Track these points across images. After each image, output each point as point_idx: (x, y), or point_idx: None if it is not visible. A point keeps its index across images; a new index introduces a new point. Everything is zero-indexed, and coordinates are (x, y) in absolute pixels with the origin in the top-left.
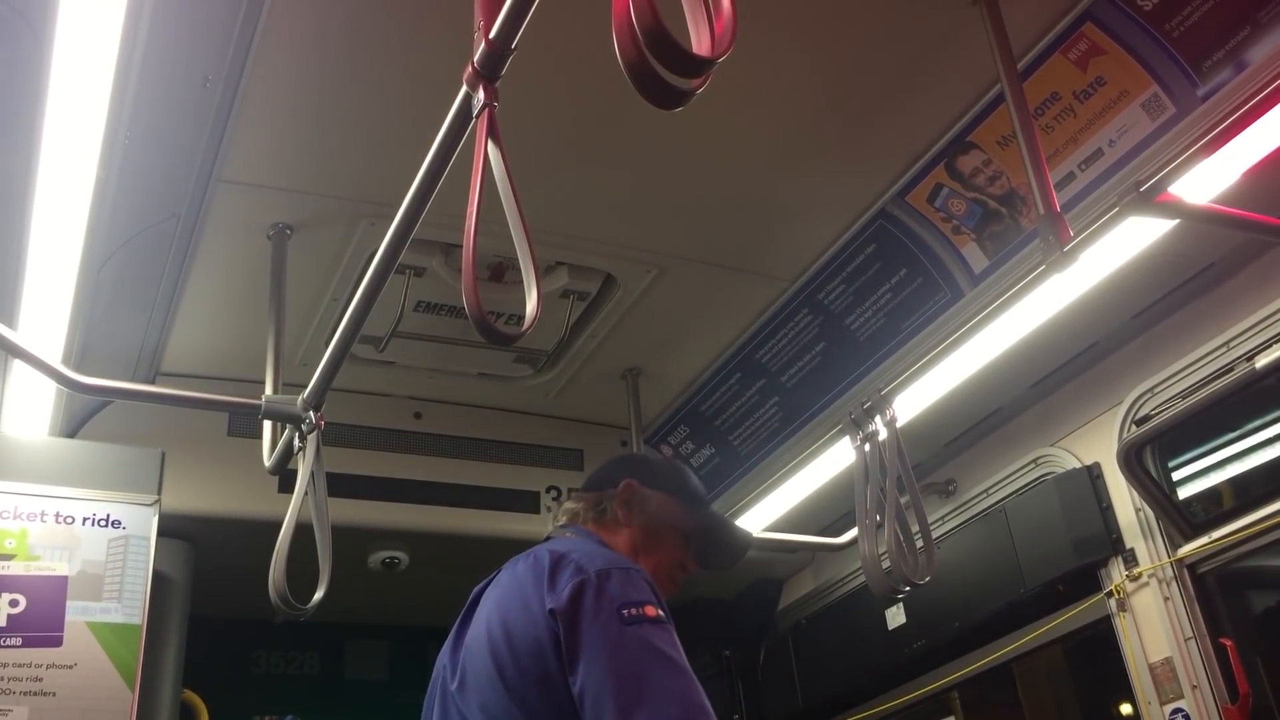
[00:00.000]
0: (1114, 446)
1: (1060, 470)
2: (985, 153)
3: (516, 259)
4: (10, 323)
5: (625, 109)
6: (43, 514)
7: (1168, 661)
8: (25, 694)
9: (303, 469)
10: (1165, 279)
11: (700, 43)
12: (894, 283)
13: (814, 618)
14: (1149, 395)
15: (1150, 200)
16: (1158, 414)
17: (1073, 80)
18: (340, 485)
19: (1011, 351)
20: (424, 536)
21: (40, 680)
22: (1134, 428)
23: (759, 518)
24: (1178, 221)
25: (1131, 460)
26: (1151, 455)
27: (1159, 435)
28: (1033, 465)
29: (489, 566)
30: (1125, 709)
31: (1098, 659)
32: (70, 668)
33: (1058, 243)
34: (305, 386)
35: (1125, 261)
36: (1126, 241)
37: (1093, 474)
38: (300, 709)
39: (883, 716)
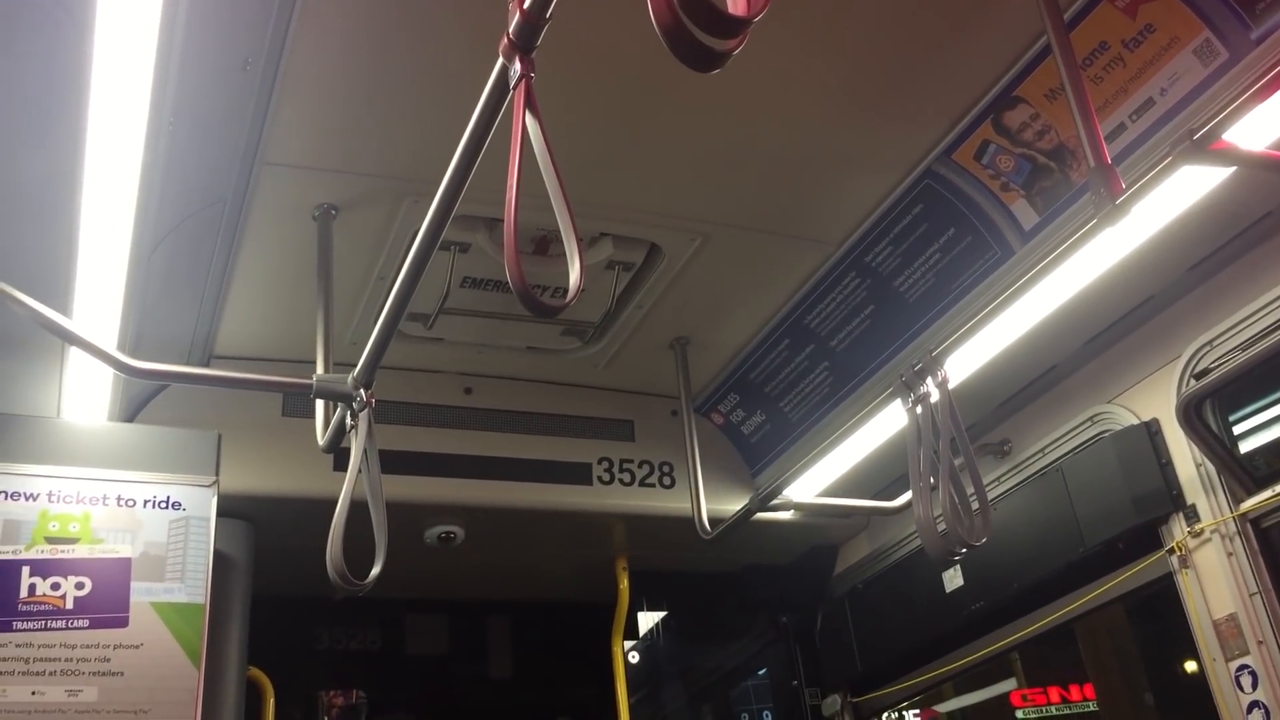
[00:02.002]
0: (1172, 401)
1: (1117, 427)
2: (1033, 107)
3: (560, 232)
4: (65, 311)
5: (664, 76)
6: (104, 498)
7: (1232, 618)
8: (94, 674)
9: (355, 447)
10: (1221, 229)
11: (736, 3)
12: (943, 242)
13: (870, 582)
14: (1208, 348)
15: (1204, 149)
16: (1217, 367)
17: (1121, 28)
18: (393, 462)
19: (1064, 308)
20: (478, 511)
21: (108, 660)
22: (1193, 382)
23: (812, 483)
24: (1233, 170)
25: (1191, 415)
26: (1212, 409)
27: (1219, 389)
28: (1089, 423)
29: (544, 539)
30: (1190, 666)
31: (1160, 617)
32: (137, 648)
33: (1109, 196)
34: (356, 365)
35: (1180, 213)
36: (1180, 192)
37: (1151, 430)
38: (364, 683)
39: (943, 679)
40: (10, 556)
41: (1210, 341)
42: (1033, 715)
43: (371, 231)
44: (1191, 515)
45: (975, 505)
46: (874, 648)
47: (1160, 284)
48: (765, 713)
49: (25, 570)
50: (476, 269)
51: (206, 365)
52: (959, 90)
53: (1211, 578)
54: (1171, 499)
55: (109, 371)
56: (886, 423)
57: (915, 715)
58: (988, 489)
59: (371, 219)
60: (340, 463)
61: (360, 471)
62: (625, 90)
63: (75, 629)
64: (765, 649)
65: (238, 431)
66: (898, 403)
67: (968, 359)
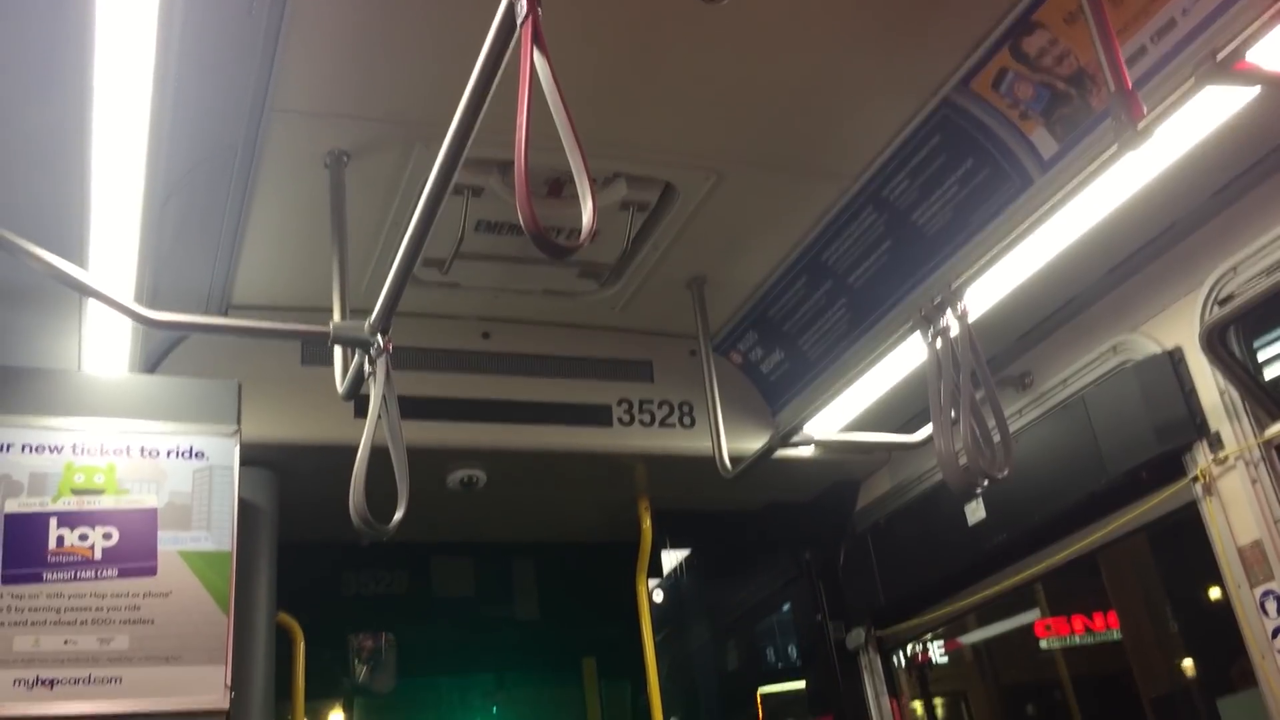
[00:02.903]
0: (1195, 329)
1: (1140, 357)
2: (1051, 31)
3: (572, 173)
4: (80, 264)
5: (674, 9)
6: (128, 449)
7: (1257, 544)
8: (125, 622)
9: (374, 393)
10: (1245, 153)
11: None
12: (960, 174)
13: (892, 517)
14: (1231, 274)
15: (1227, 69)
16: (1241, 293)
17: None
18: (414, 408)
19: (1085, 238)
20: (499, 454)
21: (138, 609)
22: (1216, 308)
23: (832, 419)
24: (1258, 91)
25: (1214, 342)
26: (1235, 336)
27: (1243, 315)
28: (1111, 353)
29: (565, 481)
30: (1213, 594)
31: (1182, 546)
32: (166, 596)
33: (1130, 121)
34: (372, 312)
35: (1202, 137)
36: (1203, 115)
37: (1174, 358)
38: (392, 626)
39: (966, 611)
40: (38, 509)
41: (1234, 267)
42: (1056, 644)
43: (384, 177)
44: (1215, 443)
45: (996, 438)
46: (897, 581)
47: (1182, 210)
48: (790, 647)
49: (53, 522)
50: (490, 213)
51: (224, 315)
52: (975, 17)
53: (1236, 505)
54: (1195, 427)
55: (128, 323)
56: (906, 357)
57: (940, 647)
58: (1009, 421)
59: (383, 164)
60: (360, 409)
61: (380, 417)
62: (635, 26)
63: (105, 579)
64: (788, 585)
65: (258, 381)
66: (917, 337)
67: (987, 291)
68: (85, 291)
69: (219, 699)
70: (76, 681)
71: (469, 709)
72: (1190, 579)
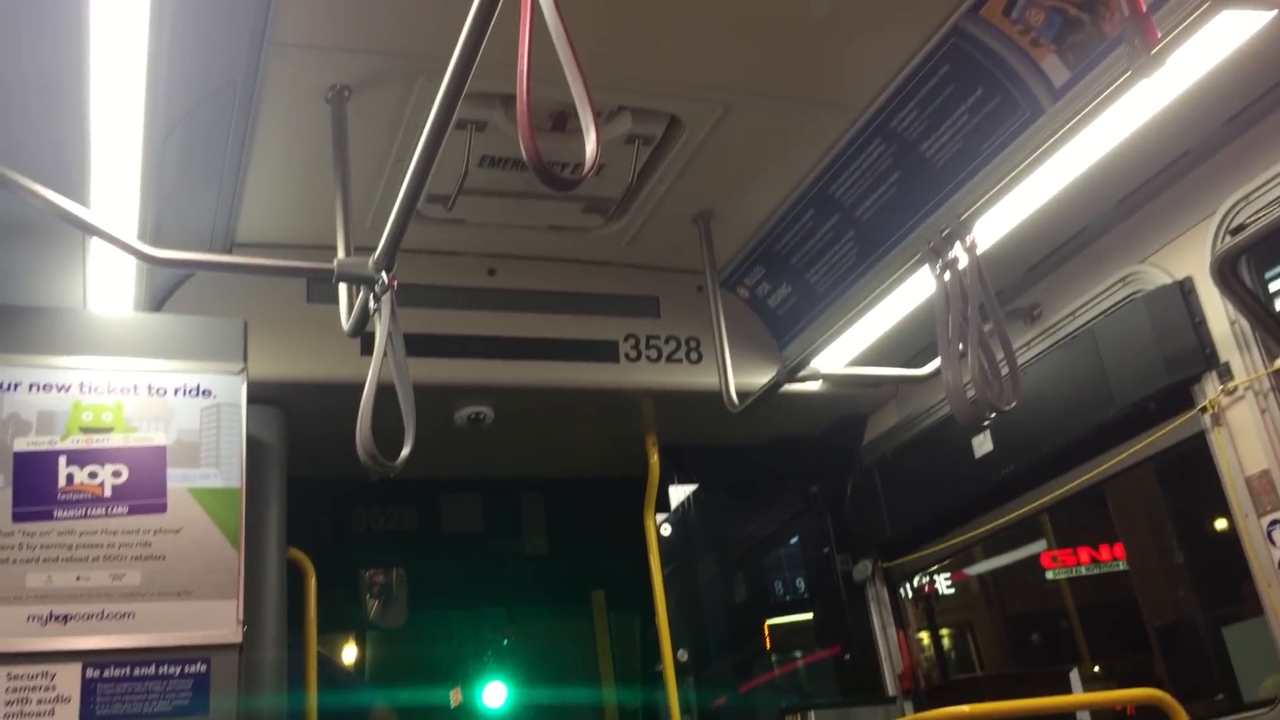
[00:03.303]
0: (1207, 259)
1: (1150, 287)
2: None
3: (576, 105)
4: (82, 202)
5: None
6: (135, 387)
7: (1265, 474)
8: (136, 559)
9: (380, 330)
10: (1259, 79)
11: None
12: (970, 104)
13: (900, 450)
14: (1243, 203)
15: None
16: (1253, 222)
17: None
18: (421, 345)
19: (1096, 167)
20: (506, 391)
21: (149, 545)
22: (1228, 238)
23: (840, 353)
24: (1273, 14)
25: (1226, 272)
26: (1247, 265)
27: (1255, 244)
28: (1121, 284)
29: (573, 417)
30: (1219, 524)
31: (1190, 476)
32: (176, 532)
33: (1144, 46)
34: (376, 249)
35: (1216, 63)
36: (1217, 40)
37: (1184, 289)
38: (402, 562)
39: (972, 542)
40: (47, 447)
41: (1246, 196)
42: (1063, 575)
43: (386, 112)
44: (1225, 373)
45: (1004, 370)
46: (904, 514)
47: (1195, 139)
48: (797, 580)
49: (62, 460)
50: (494, 148)
51: (228, 254)
52: None
53: (1244, 434)
54: (1205, 357)
55: (132, 262)
56: (914, 290)
57: (946, 578)
58: (1017, 354)
59: (385, 99)
60: (367, 347)
61: (386, 354)
62: None
63: (115, 516)
64: (796, 518)
65: (263, 319)
66: (925, 270)
67: (997, 223)
68: (88, 230)
69: (232, 633)
70: (90, 617)
71: (480, 642)
72: (1196, 510)
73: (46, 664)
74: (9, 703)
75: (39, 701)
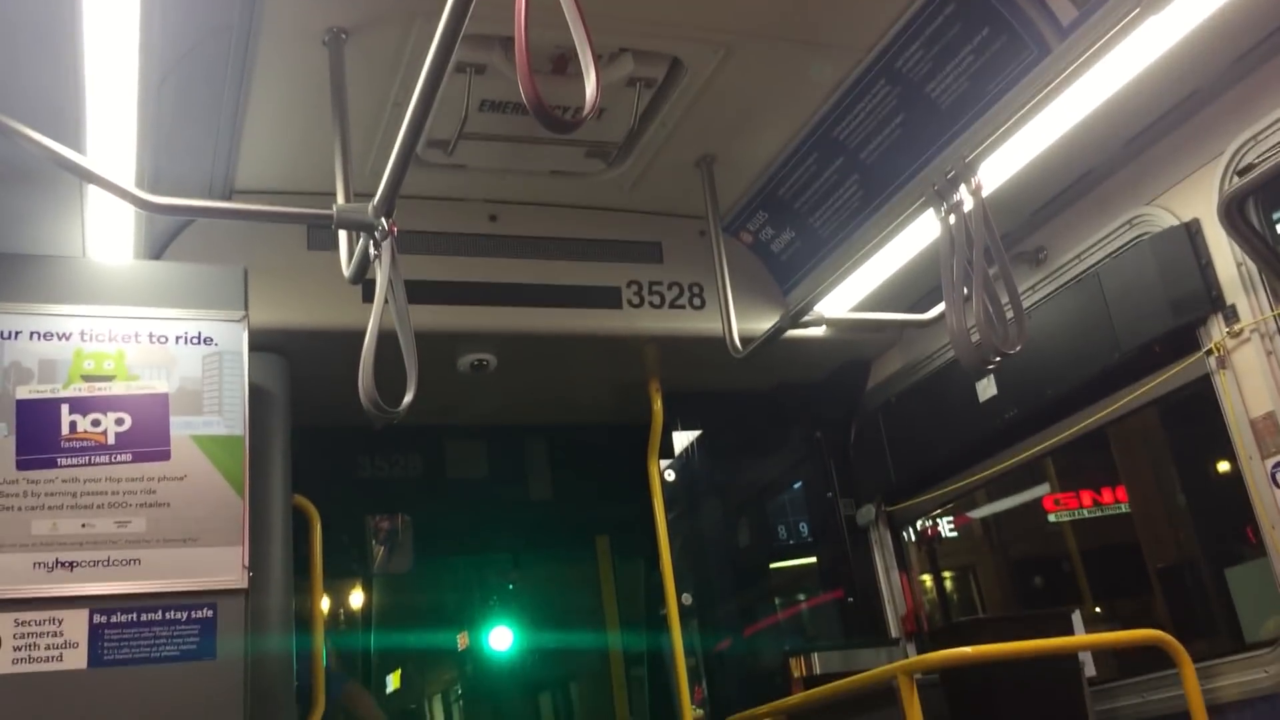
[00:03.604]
0: (1214, 200)
1: (1156, 229)
2: None
3: (575, 46)
4: (79, 149)
5: None
6: (136, 335)
7: (1269, 416)
8: (141, 506)
9: (380, 276)
10: (1269, 16)
11: None
12: (976, 43)
13: (903, 395)
14: (1251, 144)
15: None
16: (1261, 162)
17: None
18: (422, 291)
19: (1103, 108)
20: (509, 337)
21: (154, 492)
22: (1235, 179)
23: (843, 298)
24: None
25: (1233, 213)
26: (1255, 206)
27: (1263, 185)
28: (1127, 226)
29: (576, 363)
30: (1222, 467)
31: (1193, 419)
32: (180, 479)
33: None
34: (376, 195)
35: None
36: None
37: (1191, 231)
38: (407, 508)
39: (975, 486)
40: (49, 395)
41: (1254, 136)
42: (1065, 518)
43: (384, 55)
44: (1231, 315)
45: (1009, 314)
46: (907, 459)
47: (1203, 79)
48: (801, 524)
49: (65, 408)
50: (494, 91)
51: (227, 201)
52: None
53: (1250, 377)
54: (1211, 300)
55: (130, 210)
56: (918, 234)
57: (949, 522)
58: (1022, 297)
59: (383, 42)
60: (368, 294)
61: (387, 301)
62: None
63: (119, 463)
64: (799, 464)
65: (264, 266)
66: (930, 213)
67: (1002, 165)
68: (85, 176)
69: (238, 579)
70: (96, 564)
71: (485, 587)
72: (1199, 453)
73: (54, 610)
74: (17, 648)
75: (47, 647)
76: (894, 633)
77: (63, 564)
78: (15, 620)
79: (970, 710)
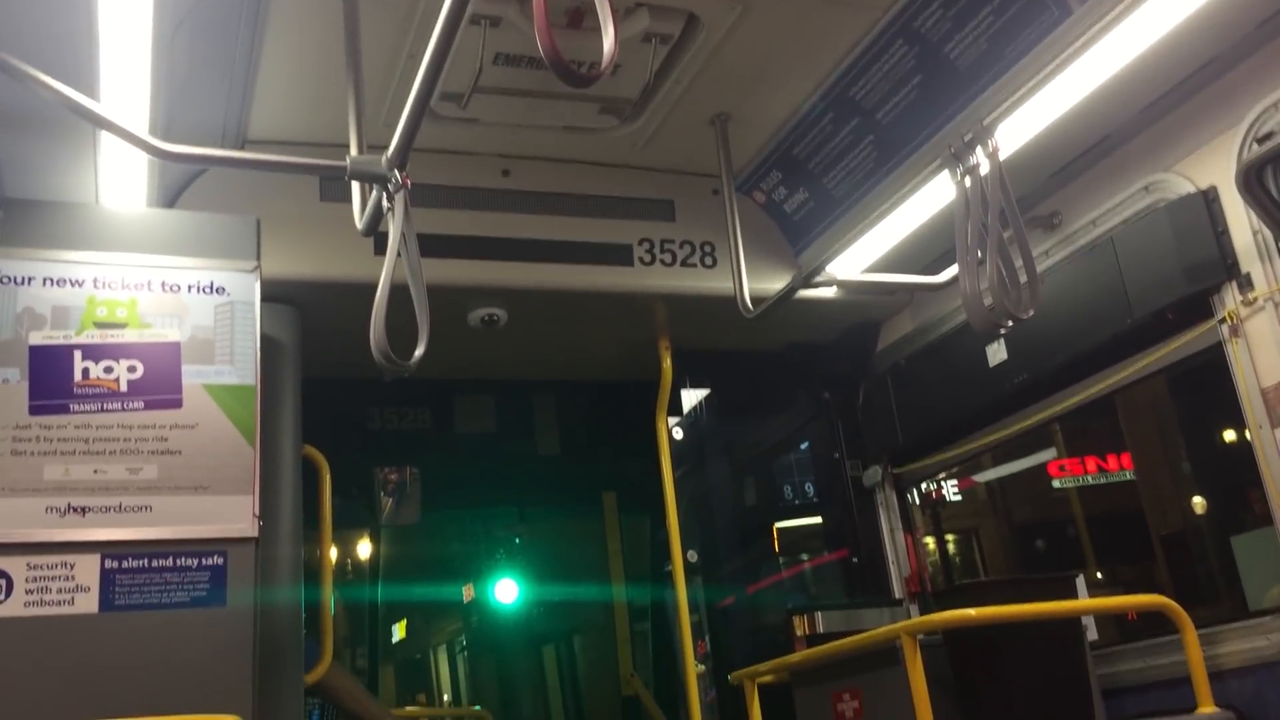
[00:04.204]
0: (1232, 167)
1: (1173, 196)
2: None
3: (594, 3)
4: (92, 95)
5: None
6: (149, 283)
7: None
8: (153, 453)
9: (393, 229)
10: None
11: None
12: (995, 3)
13: (913, 358)
14: (1272, 111)
15: None
16: None
17: None
18: (434, 245)
19: (1123, 72)
20: (520, 293)
21: (165, 440)
22: (1254, 146)
23: (855, 260)
24: None
25: (1251, 181)
26: (1274, 174)
27: None
28: (1143, 192)
29: (586, 320)
30: (1229, 436)
31: (1202, 388)
32: (192, 428)
33: None
34: (389, 147)
35: None
36: None
37: (1208, 198)
38: (416, 460)
39: (982, 450)
40: (62, 341)
41: (1275, 104)
42: (1070, 484)
43: (399, 6)
44: (1245, 284)
45: (1023, 278)
46: (915, 421)
47: (1224, 44)
48: (807, 484)
49: (78, 354)
50: (509, 45)
51: (241, 150)
52: None
53: (1262, 346)
54: (1225, 268)
55: (143, 157)
56: (932, 196)
57: (954, 485)
58: (1035, 262)
59: None
60: (380, 246)
61: (399, 254)
62: None
63: (131, 410)
64: (807, 424)
65: (276, 217)
66: (945, 175)
67: (1019, 128)
68: (98, 123)
69: (248, 527)
70: (107, 509)
71: (492, 540)
72: (1207, 422)
73: (65, 554)
74: (29, 591)
75: (59, 590)
76: (898, 593)
77: (75, 509)
78: (28, 564)
79: (972, 671)
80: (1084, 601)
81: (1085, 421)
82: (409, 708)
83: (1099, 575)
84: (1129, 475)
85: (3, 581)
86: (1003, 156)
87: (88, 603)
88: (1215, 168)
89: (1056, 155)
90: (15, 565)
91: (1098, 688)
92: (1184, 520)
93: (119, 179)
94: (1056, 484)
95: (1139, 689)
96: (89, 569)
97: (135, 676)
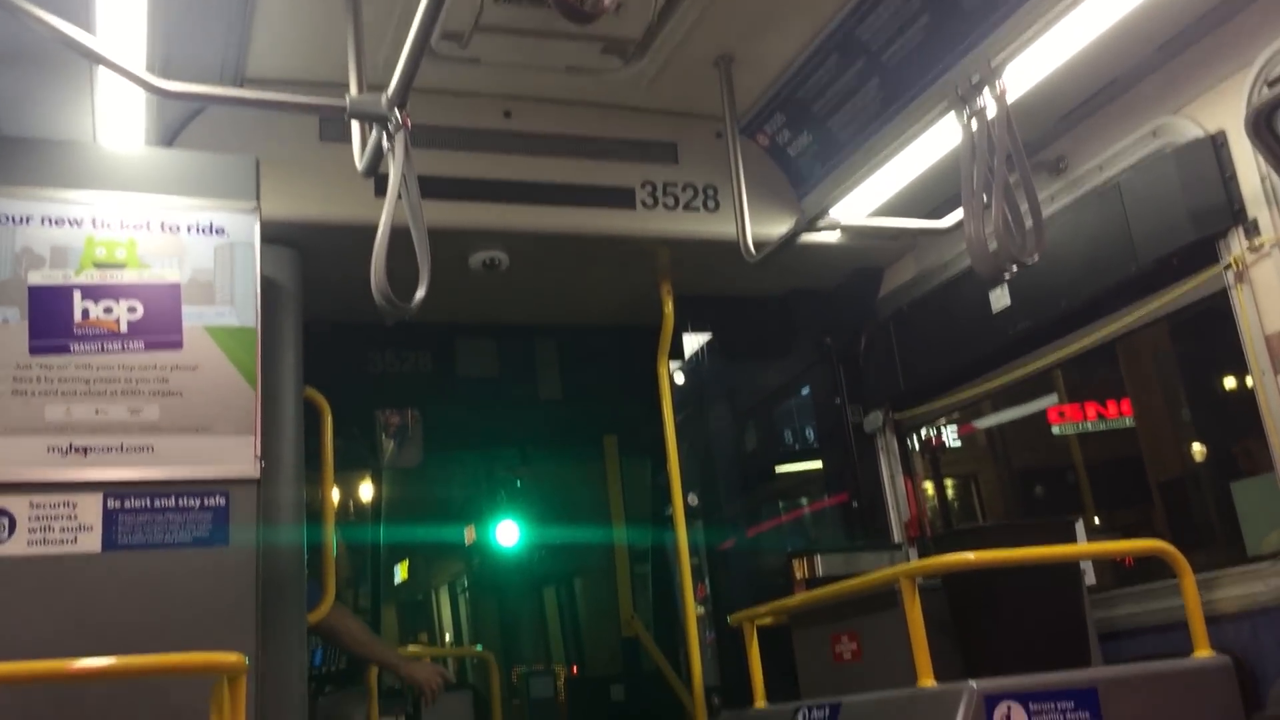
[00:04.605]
0: (1242, 111)
1: (1181, 140)
2: None
3: None
4: (88, 30)
5: None
6: (148, 223)
7: None
8: (154, 394)
9: (393, 170)
10: None
11: None
12: None
13: (916, 304)
14: None
15: None
16: None
17: None
18: (435, 187)
19: (1133, 13)
20: (521, 236)
21: (166, 381)
22: (1265, 90)
23: (859, 204)
24: None
25: (1261, 125)
26: None
27: None
28: (1151, 136)
29: (588, 264)
30: (1229, 383)
31: (1204, 336)
32: (193, 369)
33: None
34: (389, 86)
35: None
36: None
37: (1216, 143)
38: (418, 404)
39: (983, 396)
40: (61, 281)
41: None
42: (1069, 430)
43: None
44: (1252, 229)
45: (1028, 223)
46: (917, 367)
47: None
48: (807, 429)
49: (77, 294)
50: None
51: (240, 88)
52: None
53: (1268, 292)
54: (1232, 213)
55: (140, 95)
56: (937, 140)
57: (954, 431)
58: (1040, 206)
59: None
60: (381, 188)
61: (400, 196)
62: None
63: (131, 351)
64: (808, 369)
65: (275, 158)
66: (950, 119)
67: (1027, 70)
68: (94, 59)
69: (250, 468)
70: (109, 450)
71: (493, 483)
72: (1208, 369)
73: (68, 494)
74: (32, 530)
75: (61, 529)
76: (897, 538)
77: (76, 449)
78: (30, 503)
79: (970, 615)
80: (1082, 546)
81: (1086, 368)
82: (411, 646)
83: (1097, 521)
84: (1128, 422)
85: (5, 520)
86: (1010, 99)
87: (90, 542)
88: (1224, 111)
89: (1064, 98)
90: (18, 504)
91: (1094, 631)
92: (1183, 467)
93: (116, 117)
94: (1056, 430)
95: (1135, 633)
96: (91, 508)
97: (138, 615)
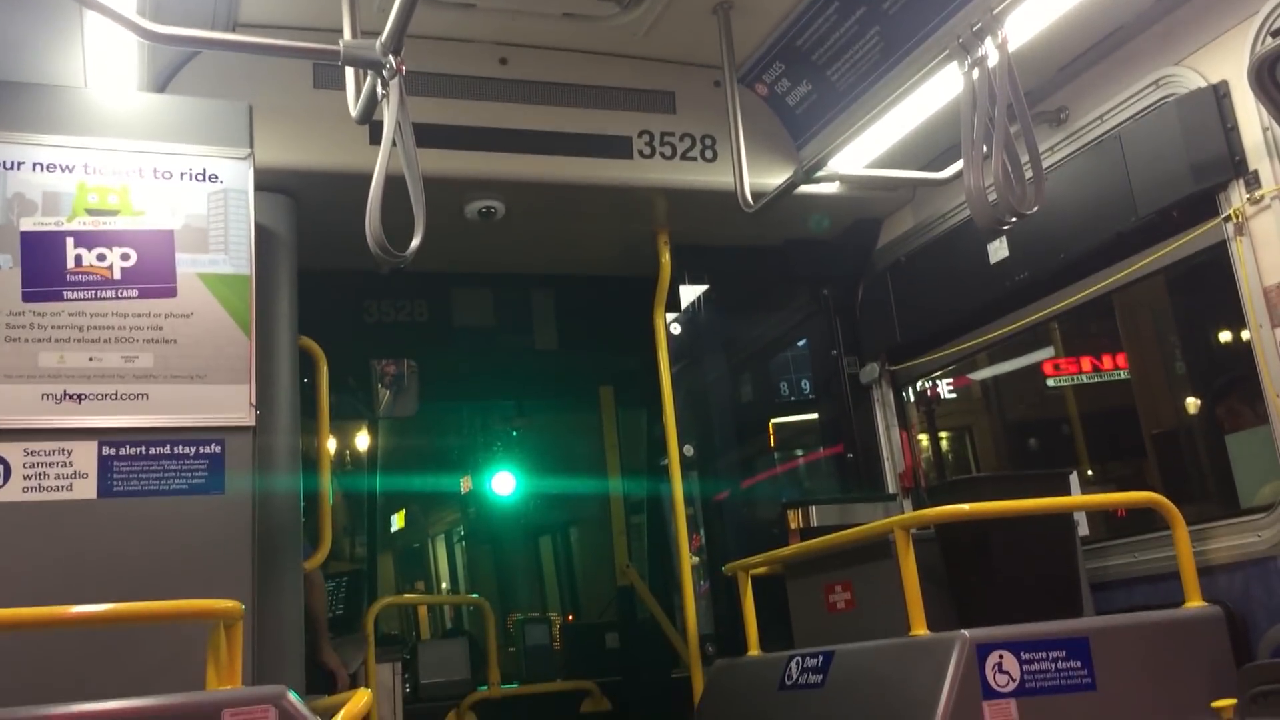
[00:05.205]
0: (1244, 61)
1: (1183, 91)
2: None
3: None
4: None
5: None
6: (140, 170)
7: None
8: (148, 341)
9: (388, 117)
10: None
11: None
12: None
13: (913, 255)
14: None
15: None
16: None
17: None
18: (430, 135)
19: None
20: (517, 185)
21: (160, 329)
22: (1269, 40)
23: (858, 154)
24: None
25: (1264, 75)
26: None
27: None
28: (1153, 87)
29: (585, 213)
30: (1225, 337)
31: (1202, 289)
32: (187, 317)
33: None
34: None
35: None
36: None
37: (1219, 93)
38: (413, 353)
39: (980, 349)
40: (53, 228)
41: None
42: (1064, 383)
43: None
44: (1252, 181)
45: (1028, 174)
46: (914, 319)
47: None
48: (803, 381)
49: (70, 241)
50: None
51: (232, 32)
52: None
53: (1267, 244)
54: (1233, 165)
55: (131, 40)
56: (937, 90)
57: (949, 383)
58: (1041, 157)
59: None
60: (375, 136)
61: (395, 144)
62: None
63: (125, 299)
64: (805, 320)
65: (269, 105)
66: (951, 69)
67: (1030, 19)
68: (83, 1)
69: (245, 416)
70: (104, 397)
71: (489, 433)
72: (1205, 322)
73: (63, 440)
74: (27, 477)
75: (57, 476)
76: (892, 489)
77: (71, 396)
78: (25, 450)
79: (964, 566)
80: (1076, 498)
81: (1082, 321)
82: (408, 595)
83: (1090, 473)
84: (1123, 374)
85: (0, 467)
86: (1011, 48)
87: (86, 488)
88: (1227, 62)
89: (1066, 48)
90: (13, 451)
91: (1087, 581)
92: (1177, 419)
93: (107, 62)
94: (1051, 383)
95: (1127, 583)
96: (86, 455)
97: (135, 562)
